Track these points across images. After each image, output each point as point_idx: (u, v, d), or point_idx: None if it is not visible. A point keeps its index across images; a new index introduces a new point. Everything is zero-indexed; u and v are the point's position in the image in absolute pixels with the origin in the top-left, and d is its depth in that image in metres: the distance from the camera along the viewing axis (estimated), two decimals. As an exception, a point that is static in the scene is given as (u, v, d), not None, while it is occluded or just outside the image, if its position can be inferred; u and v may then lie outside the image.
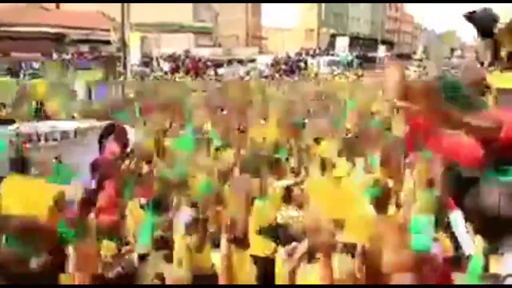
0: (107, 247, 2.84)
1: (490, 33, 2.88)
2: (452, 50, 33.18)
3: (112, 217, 3.22)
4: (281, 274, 2.61)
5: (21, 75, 16.01)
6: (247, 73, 23.36)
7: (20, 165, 3.99)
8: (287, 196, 3.64)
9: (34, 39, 21.28)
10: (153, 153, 4.73)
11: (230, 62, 28.03)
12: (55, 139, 4.41)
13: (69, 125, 4.96)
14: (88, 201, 3.23)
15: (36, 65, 20.02)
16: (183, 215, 3.27)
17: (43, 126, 4.85)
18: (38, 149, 4.29)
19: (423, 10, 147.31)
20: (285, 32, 45.40)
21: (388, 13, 60.27)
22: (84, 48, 23.60)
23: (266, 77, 18.30)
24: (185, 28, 30.85)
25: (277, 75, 24.14)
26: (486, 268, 2.25)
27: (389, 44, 50.41)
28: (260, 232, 2.90)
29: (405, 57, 45.58)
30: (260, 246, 3.16)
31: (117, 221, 3.21)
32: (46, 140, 4.47)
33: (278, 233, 2.86)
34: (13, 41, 20.90)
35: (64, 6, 28.22)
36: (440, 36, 70.52)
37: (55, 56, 20.57)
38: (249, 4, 42.41)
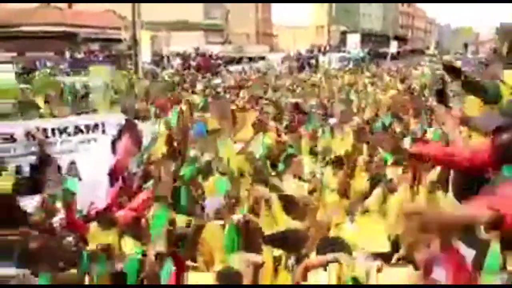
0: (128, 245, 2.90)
1: None
2: (466, 45, 32.69)
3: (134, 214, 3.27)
4: None
5: (36, 74, 16.20)
6: (258, 70, 23.29)
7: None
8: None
9: (48, 38, 21.57)
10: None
11: (240, 60, 28.01)
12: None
13: None
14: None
15: (49, 63, 20.28)
16: (213, 202, 3.37)
17: None
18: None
19: (436, 5, 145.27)
20: (295, 30, 45.19)
21: (400, 9, 59.55)
22: (95, 46, 23.84)
23: (276, 76, 18.22)
24: (195, 26, 30.91)
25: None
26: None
27: (402, 40, 49.83)
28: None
29: (418, 52, 45.07)
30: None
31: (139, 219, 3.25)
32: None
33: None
34: (28, 40, 21.22)
35: (76, 5, 28.53)
36: (455, 31, 69.49)
37: (67, 54, 20.80)
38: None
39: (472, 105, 3.17)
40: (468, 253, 2.40)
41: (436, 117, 5.37)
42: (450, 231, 1.59)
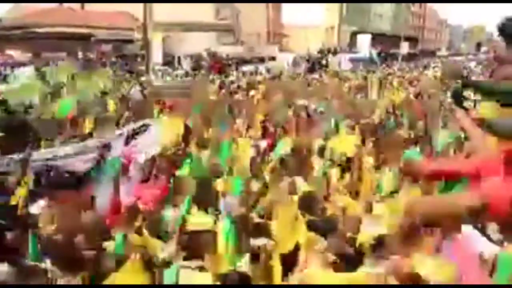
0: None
1: None
2: (479, 45, 32.27)
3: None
4: None
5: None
6: (268, 71, 23.26)
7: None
8: None
9: (61, 39, 21.83)
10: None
11: (251, 60, 27.99)
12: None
13: None
14: None
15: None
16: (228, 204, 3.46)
17: None
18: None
19: (448, 5, 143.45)
20: (306, 30, 45.05)
21: (412, 9, 59.01)
22: (107, 47, 24.03)
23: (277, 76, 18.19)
24: (206, 26, 30.97)
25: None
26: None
27: (413, 41, 49.36)
28: None
29: (429, 53, 44.64)
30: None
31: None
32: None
33: None
34: (42, 41, 21.50)
35: (91, 6, 28.83)
36: (467, 31, 68.60)
37: (80, 55, 21.04)
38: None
39: (489, 108, 3.08)
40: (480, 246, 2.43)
41: (454, 119, 5.36)
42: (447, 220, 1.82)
